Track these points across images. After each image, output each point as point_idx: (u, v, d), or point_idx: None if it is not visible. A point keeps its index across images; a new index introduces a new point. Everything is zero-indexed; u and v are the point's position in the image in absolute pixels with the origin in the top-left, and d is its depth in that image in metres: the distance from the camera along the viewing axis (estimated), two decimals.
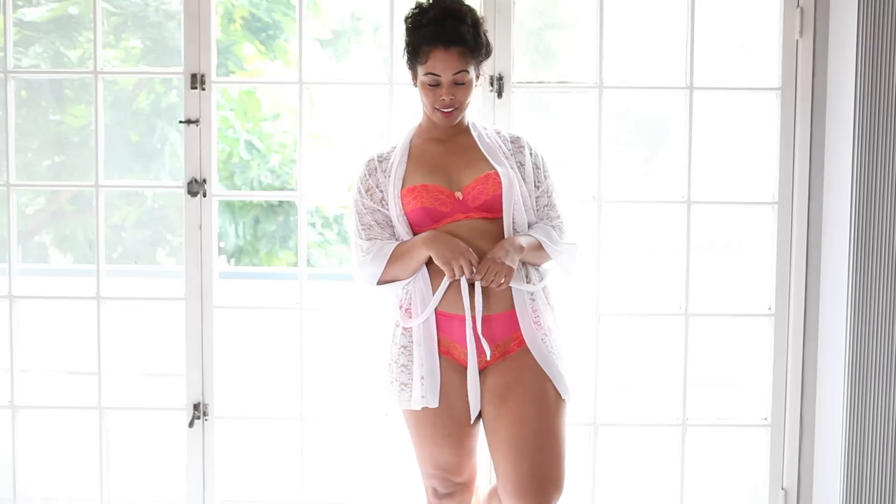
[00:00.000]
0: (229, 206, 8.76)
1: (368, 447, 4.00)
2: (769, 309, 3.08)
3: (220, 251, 8.84)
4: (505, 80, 3.00)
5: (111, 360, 3.20)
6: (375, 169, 2.52)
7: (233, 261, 9.11)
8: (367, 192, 2.52)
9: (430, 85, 2.42)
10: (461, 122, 2.52)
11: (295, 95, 3.05)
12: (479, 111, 2.98)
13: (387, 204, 2.49)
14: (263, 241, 9.00)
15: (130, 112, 8.40)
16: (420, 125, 2.57)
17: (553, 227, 2.54)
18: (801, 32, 2.97)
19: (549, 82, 3.02)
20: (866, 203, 2.77)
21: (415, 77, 2.48)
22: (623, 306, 3.24)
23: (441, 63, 2.38)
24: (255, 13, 8.59)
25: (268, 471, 4.39)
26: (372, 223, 2.51)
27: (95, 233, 3.12)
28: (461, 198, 2.44)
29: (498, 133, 2.56)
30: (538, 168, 2.55)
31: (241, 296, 3.82)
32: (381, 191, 2.50)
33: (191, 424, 3.10)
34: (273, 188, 8.80)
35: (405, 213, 2.47)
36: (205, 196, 3.04)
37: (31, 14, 7.70)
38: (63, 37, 7.99)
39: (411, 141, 2.55)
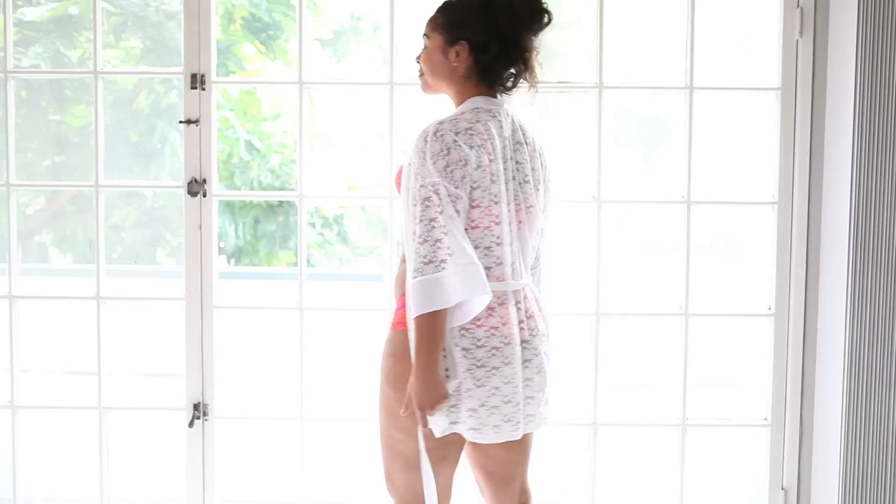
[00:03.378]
0: (229, 207, 8.76)
1: (369, 447, 4.00)
2: (769, 309, 3.08)
3: (220, 251, 8.84)
4: None
5: (111, 360, 3.19)
6: None
7: (233, 261, 9.12)
8: None
9: None
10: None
11: (295, 95, 3.04)
12: None
13: None
14: (263, 242, 9.01)
15: (130, 112, 8.41)
16: None
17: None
18: (801, 32, 2.97)
19: (549, 82, 2.99)
20: (866, 203, 2.77)
21: None
22: (623, 306, 3.24)
23: None
24: (255, 13, 8.60)
25: (268, 471, 4.39)
26: None
27: (95, 233, 3.11)
28: None
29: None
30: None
31: (241, 296, 3.81)
32: None
33: (191, 424, 3.10)
34: (273, 188, 8.81)
35: None
36: (205, 196, 3.04)
37: (31, 14, 7.70)
38: (63, 37, 8.00)
39: None
